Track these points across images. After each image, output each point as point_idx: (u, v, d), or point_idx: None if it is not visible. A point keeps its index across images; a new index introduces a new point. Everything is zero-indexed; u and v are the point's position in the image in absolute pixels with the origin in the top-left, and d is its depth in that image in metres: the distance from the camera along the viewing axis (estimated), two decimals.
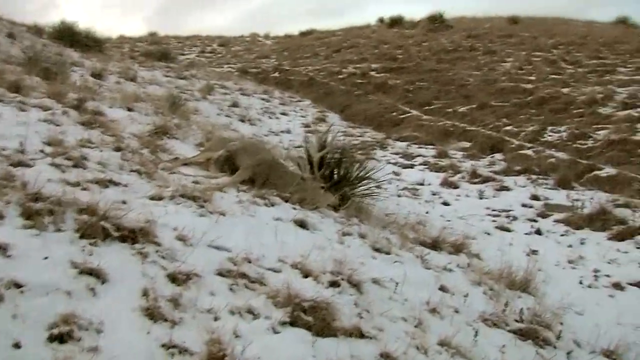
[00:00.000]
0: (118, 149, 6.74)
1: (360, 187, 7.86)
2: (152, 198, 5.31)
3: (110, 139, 7.17)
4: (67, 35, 19.62)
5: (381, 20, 40.77)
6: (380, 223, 7.16)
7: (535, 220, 9.91)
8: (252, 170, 6.82)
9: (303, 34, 41.19)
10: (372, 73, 26.42)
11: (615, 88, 18.87)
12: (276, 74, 28.74)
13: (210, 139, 9.10)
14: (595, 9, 78.62)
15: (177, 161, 7.15)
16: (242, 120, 16.29)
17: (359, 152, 14.77)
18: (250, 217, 5.63)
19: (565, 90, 19.38)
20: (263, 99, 20.84)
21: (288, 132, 16.56)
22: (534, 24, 34.17)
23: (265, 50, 36.99)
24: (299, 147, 14.21)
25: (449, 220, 9.53)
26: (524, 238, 9.03)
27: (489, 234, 9.14)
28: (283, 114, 19.38)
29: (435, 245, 6.89)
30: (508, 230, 9.44)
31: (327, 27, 42.16)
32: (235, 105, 17.90)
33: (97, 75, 14.68)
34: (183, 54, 35.08)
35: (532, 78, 21.68)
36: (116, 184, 5.41)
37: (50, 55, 13.61)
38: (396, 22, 38.33)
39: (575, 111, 17.39)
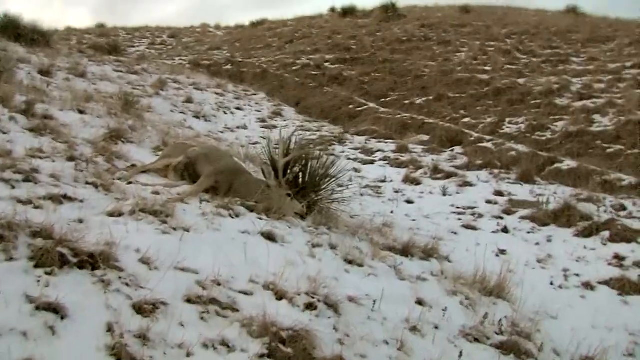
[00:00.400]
0: (71, 159, 6.28)
1: (325, 191, 7.55)
2: (111, 214, 4.92)
3: (62, 147, 6.72)
4: (12, 28, 18.82)
5: (333, 9, 40.42)
6: (349, 230, 6.90)
7: (500, 218, 9.74)
8: (214, 179, 6.47)
9: (254, 25, 40.62)
10: (326, 64, 26.13)
11: (570, 78, 18.93)
12: (229, 67, 28.20)
13: (168, 143, 8.72)
14: None
15: (134, 169, 6.72)
16: (197, 117, 15.85)
17: (318, 147, 14.53)
18: (216, 232, 5.29)
19: (521, 80, 19.36)
20: (217, 94, 20.38)
21: (244, 127, 16.22)
22: (486, 13, 34.29)
23: (216, 42, 36.39)
24: (256, 143, 13.91)
25: (415, 220, 9.31)
26: (491, 237, 8.83)
27: (455, 233, 8.94)
28: (238, 108, 18.97)
29: (405, 251, 6.66)
30: (474, 228, 9.25)
31: (278, 17, 41.83)
32: (189, 100, 17.41)
33: (45, 72, 14.05)
34: (133, 47, 34.34)
35: (488, 68, 21.61)
36: (71, 199, 5.00)
37: None
38: (348, 11, 37.97)
39: (532, 102, 17.35)
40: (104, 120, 9.25)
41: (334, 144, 14.94)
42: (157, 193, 6.06)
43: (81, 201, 5.04)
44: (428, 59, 24.56)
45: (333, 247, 5.89)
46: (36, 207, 4.55)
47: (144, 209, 5.17)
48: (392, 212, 9.52)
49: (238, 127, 16.00)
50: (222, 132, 14.97)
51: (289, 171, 6.92)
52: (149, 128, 10.08)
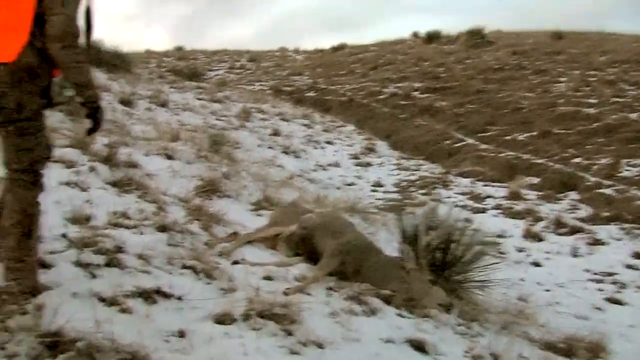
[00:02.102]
0: (163, 228, 5.28)
1: (471, 272, 6.37)
2: (219, 320, 3.95)
3: (150, 209, 5.76)
4: (94, 54, 18.40)
5: (416, 35, 39.36)
6: (498, 321, 5.78)
7: None
8: (339, 259, 5.44)
9: (335, 49, 39.85)
10: (415, 93, 25.05)
11: None
12: (312, 94, 27.46)
13: (269, 197, 7.81)
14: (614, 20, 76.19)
15: (237, 240, 5.70)
16: (286, 152, 14.93)
17: (420, 191, 13.45)
18: (355, 344, 4.22)
19: (633, 116, 17.79)
20: (304, 125, 19.51)
21: (337, 165, 15.22)
22: (579, 39, 32.45)
23: (296, 67, 35.79)
24: (351, 184, 12.95)
25: (549, 290, 8.07)
26: None
27: (600, 309, 7.64)
28: (328, 142, 18.02)
29: (569, 351, 5.52)
30: (621, 303, 7.97)
31: (357, 41, 40.99)
32: (276, 133, 16.55)
33: (127, 102, 13.42)
34: (212, 70, 34.07)
35: (593, 101, 20.00)
36: (167, 295, 3.99)
37: None
38: (433, 37, 36.71)
39: None
40: (194, 166, 8.42)
41: (437, 187, 13.81)
42: (269, 278, 5.07)
43: (179, 298, 4.02)
44: (525, 89, 23.11)
45: (496, 357, 4.79)
46: (123, 310, 3.61)
47: (261, 311, 4.17)
48: (521, 279, 8.34)
49: (330, 165, 15.03)
50: (314, 171, 14.05)
51: (430, 250, 5.82)
52: (243, 174, 9.23)
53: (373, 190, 13.34)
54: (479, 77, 25.80)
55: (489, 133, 19.27)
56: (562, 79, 23.68)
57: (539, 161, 15.59)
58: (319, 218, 5.90)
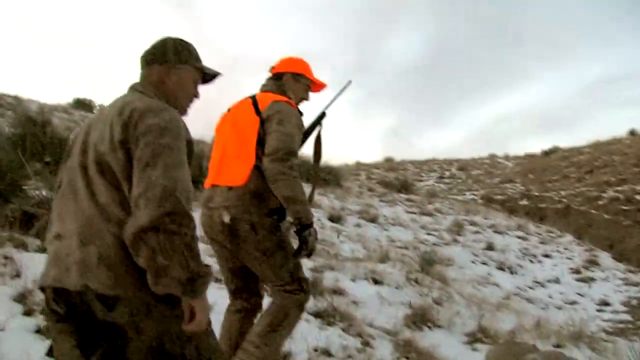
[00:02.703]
0: None
1: None
2: None
3: (355, 344, 5.67)
4: (305, 169, 19.04)
5: (632, 132, 37.12)
6: None
7: None
8: None
9: (546, 153, 38.55)
10: (638, 197, 23.41)
11: None
12: (525, 202, 26.59)
13: (485, 328, 7.40)
14: None
15: None
16: (501, 268, 14.29)
17: None
18: None
19: None
20: (519, 237, 18.77)
21: (556, 281, 14.33)
22: None
23: (507, 173, 34.96)
24: (573, 303, 12.09)
25: None
26: None
27: None
28: (545, 255, 17.13)
29: None
30: None
31: (570, 143, 39.38)
32: (490, 247, 15.95)
33: (336, 218, 13.64)
34: (421, 181, 34.19)
35: None
36: None
37: None
38: None
39: None
40: (403, 292, 8.23)
41: None
42: None
43: None
44: None
45: None
46: None
47: None
48: None
49: (549, 281, 14.17)
50: (531, 288, 13.34)
51: None
52: (456, 297, 8.90)
53: (599, 310, 12.34)
54: None
55: None
56: None
57: None
58: (541, 358, 5.40)
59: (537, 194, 27.55)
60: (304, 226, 3.65)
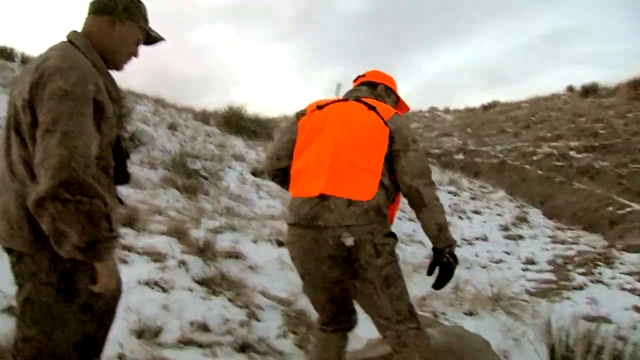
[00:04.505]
0: (243, 348, 4.49)
1: None
2: None
3: (239, 317, 5.04)
4: (234, 121, 18.43)
5: (571, 89, 37.15)
6: None
7: None
8: None
9: (485, 108, 38.43)
10: (572, 153, 23.22)
11: None
12: (461, 156, 26.30)
13: None
14: None
15: None
16: None
17: (579, 270, 11.96)
18: None
19: None
20: (450, 192, 18.42)
21: (484, 239, 13.95)
22: None
23: (446, 127, 34.69)
24: (499, 262, 11.71)
25: None
26: None
27: None
28: (475, 212, 16.79)
29: None
30: None
31: (510, 98, 39.31)
32: None
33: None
34: None
35: None
36: None
37: (206, 151, 12.27)
38: (590, 90, 34.26)
39: None
40: None
41: (599, 265, 12.23)
42: None
43: None
44: None
45: None
46: None
47: None
48: None
49: (477, 239, 13.79)
50: (458, 247, 12.90)
51: None
52: None
53: (524, 269, 12.00)
54: None
55: None
56: None
57: None
58: (441, 337, 4.77)
59: (473, 148, 27.29)
60: (452, 254, 3.34)
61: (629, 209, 16.47)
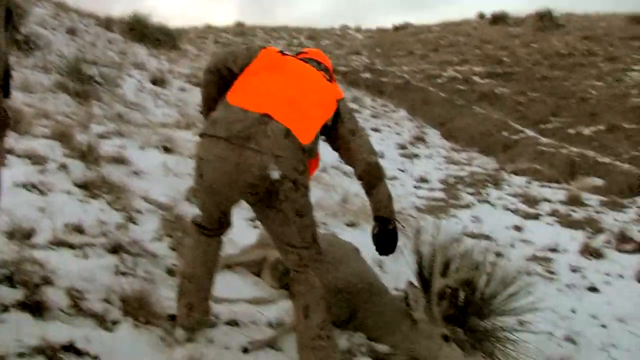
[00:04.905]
0: (115, 249, 4.28)
1: (500, 321, 5.03)
2: None
3: (116, 220, 4.81)
4: (138, 29, 17.60)
5: (482, 16, 37.39)
6: None
7: None
8: (330, 298, 4.31)
9: (397, 29, 38.35)
10: (475, 78, 23.52)
11: None
12: (367, 75, 26.17)
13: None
14: None
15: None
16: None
17: (469, 189, 12.17)
18: None
19: None
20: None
21: (381, 156, 13.92)
22: None
23: (356, 46, 34.40)
24: (393, 178, 11.74)
25: (605, 327, 6.80)
26: None
27: None
28: (375, 129, 16.78)
29: None
30: None
31: (423, 21, 39.38)
32: None
33: (159, 81, 12.53)
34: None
35: None
36: (79, 352, 2.92)
37: (106, 58, 11.68)
38: (499, 18, 34.51)
39: None
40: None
41: (487, 186, 12.48)
42: (234, 323, 3.99)
43: (95, 358, 2.96)
44: (594, 77, 21.25)
45: None
46: None
47: None
48: (573, 311, 7.08)
49: None
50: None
51: (446, 295, 4.57)
52: None
53: (416, 187, 12.10)
54: (544, 63, 24.03)
55: (551, 125, 17.79)
56: (636, 67, 21.74)
57: (605, 160, 14.07)
58: None
59: (380, 68, 27.20)
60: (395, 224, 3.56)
61: (522, 135, 16.89)
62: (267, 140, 3.07)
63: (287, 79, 3.45)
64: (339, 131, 3.47)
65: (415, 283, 4.40)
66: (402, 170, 13.14)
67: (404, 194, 10.64)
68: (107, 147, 6.59)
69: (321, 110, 3.39)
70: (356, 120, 3.57)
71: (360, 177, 3.51)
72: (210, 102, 3.57)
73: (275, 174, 3.06)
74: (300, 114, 3.26)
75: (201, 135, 3.29)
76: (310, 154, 3.29)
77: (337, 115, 3.45)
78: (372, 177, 3.45)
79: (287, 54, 3.65)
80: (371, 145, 3.54)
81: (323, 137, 3.53)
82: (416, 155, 14.85)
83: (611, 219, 10.67)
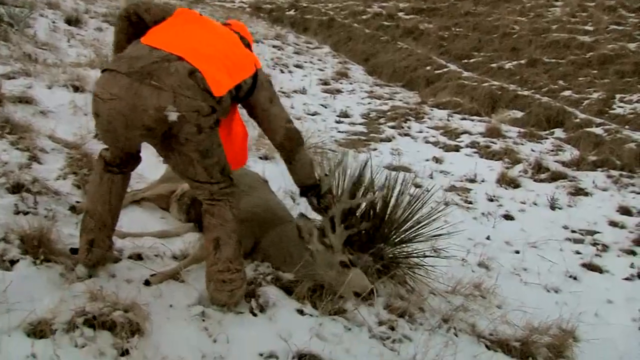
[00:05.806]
0: (16, 188, 4.12)
1: (407, 245, 4.95)
2: (32, 332, 2.73)
3: (19, 159, 4.64)
4: None
5: None
6: (439, 311, 4.49)
7: (633, 253, 7.25)
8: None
9: None
10: (400, 14, 23.37)
11: None
12: (292, 12, 25.72)
13: None
14: None
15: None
16: None
17: (390, 123, 12.10)
18: None
19: (632, 46, 16.19)
20: (275, 47, 17.94)
21: (302, 92, 13.65)
22: None
23: None
24: (314, 114, 11.62)
25: (518, 252, 6.89)
26: (624, 288, 6.40)
27: (575, 278, 6.46)
28: (297, 66, 16.47)
29: (526, 353, 4.32)
30: (600, 270, 6.76)
31: None
32: None
33: (75, 21, 11.97)
34: None
35: (590, 28, 18.32)
36: None
37: None
38: None
39: None
40: None
41: (409, 120, 12.41)
42: (138, 257, 3.84)
43: None
44: (517, 13, 21.33)
45: None
46: None
47: (98, 316, 2.91)
48: (488, 237, 7.13)
49: (295, 91, 13.44)
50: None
51: (352, 219, 4.46)
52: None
53: (338, 122, 11.95)
54: None
55: (473, 59, 17.87)
56: (557, 3, 21.90)
57: (525, 93, 14.17)
58: None
59: (305, 5, 26.71)
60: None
61: (445, 69, 16.87)
62: (169, 78, 2.94)
63: (205, 34, 3.38)
64: (257, 99, 3.49)
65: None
66: (324, 106, 12.94)
67: (324, 129, 10.47)
68: (12, 87, 6.35)
69: (236, 69, 3.33)
70: (274, 90, 3.63)
71: (281, 145, 3.63)
72: (120, 50, 3.43)
73: (173, 116, 2.95)
74: (213, 63, 3.18)
75: (103, 70, 3.13)
76: (223, 108, 3.27)
77: (255, 82, 3.44)
78: (292, 143, 3.61)
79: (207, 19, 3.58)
80: (288, 114, 3.67)
81: (241, 105, 3.54)
82: (339, 91, 14.66)
83: (528, 150, 10.79)
